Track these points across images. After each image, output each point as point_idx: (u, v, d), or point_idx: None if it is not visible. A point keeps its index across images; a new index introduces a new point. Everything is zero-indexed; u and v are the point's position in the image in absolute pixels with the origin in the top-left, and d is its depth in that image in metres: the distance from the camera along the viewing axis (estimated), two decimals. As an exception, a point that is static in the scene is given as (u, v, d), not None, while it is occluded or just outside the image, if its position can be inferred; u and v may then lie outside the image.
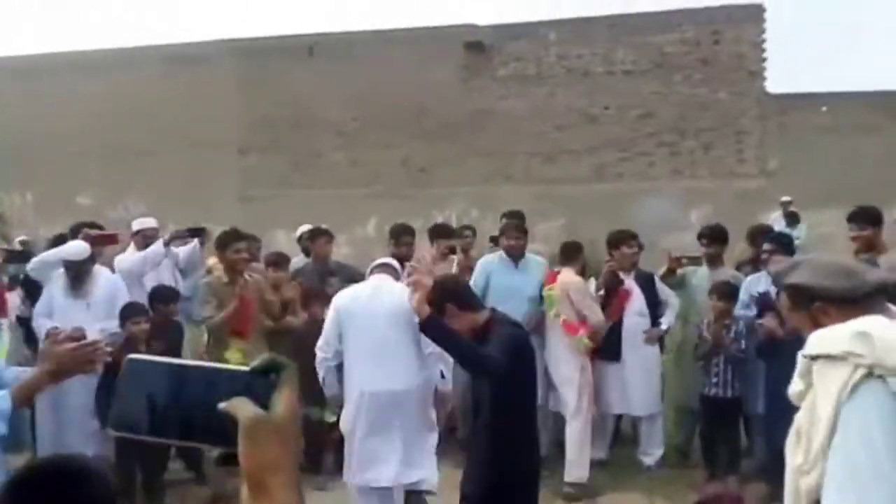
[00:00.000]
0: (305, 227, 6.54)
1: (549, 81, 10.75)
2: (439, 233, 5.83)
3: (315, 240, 5.92)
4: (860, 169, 9.15)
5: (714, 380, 4.68)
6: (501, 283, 5.05)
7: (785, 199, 9.76)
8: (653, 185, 10.11)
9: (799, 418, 1.59)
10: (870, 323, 1.49)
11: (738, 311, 4.71)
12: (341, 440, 4.93)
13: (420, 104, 11.14)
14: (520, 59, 10.87)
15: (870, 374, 1.42)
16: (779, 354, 4.24)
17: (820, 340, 1.54)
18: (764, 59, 10.55)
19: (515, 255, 5.15)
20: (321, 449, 4.97)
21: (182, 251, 5.67)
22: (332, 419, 4.77)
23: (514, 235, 5.18)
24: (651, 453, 5.07)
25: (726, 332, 4.65)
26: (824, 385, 1.48)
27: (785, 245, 4.67)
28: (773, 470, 3.57)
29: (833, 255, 1.95)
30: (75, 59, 12.36)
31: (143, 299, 5.22)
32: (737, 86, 10.46)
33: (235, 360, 4.41)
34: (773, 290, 4.66)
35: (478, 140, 10.89)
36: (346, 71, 11.20)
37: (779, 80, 10.90)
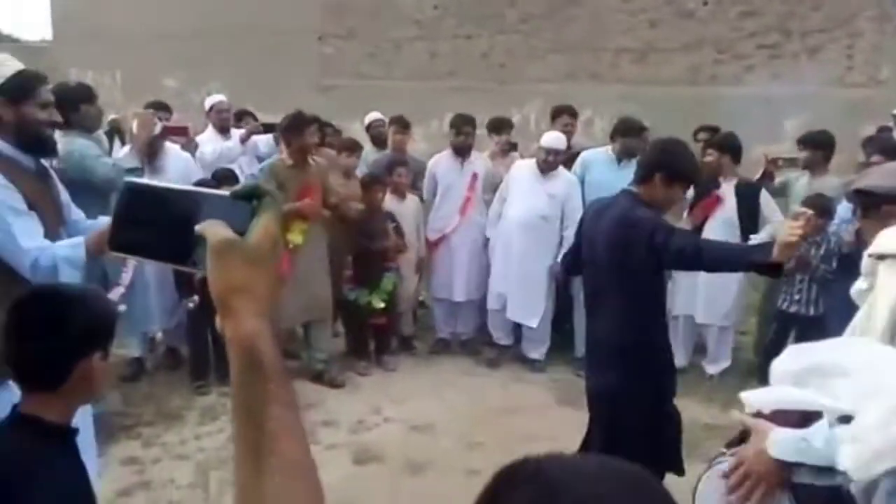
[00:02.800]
0: (374, 115, 6.51)
1: (645, -29, 10.00)
2: (497, 127, 5.70)
3: (389, 127, 5.95)
4: None
5: (797, 296, 4.49)
6: (601, 179, 4.98)
7: (896, 111, 8.99)
8: (749, 90, 9.46)
9: (858, 316, 1.53)
10: None
11: (834, 225, 4.44)
12: (384, 327, 5.09)
13: (504, -7, 10.61)
14: (615, -54, 10.12)
15: None
16: (853, 269, 4.00)
17: (886, 239, 1.46)
18: (891, -48, 9.48)
19: (624, 156, 5.07)
20: (365, 335, 5.10)
21: (261, 139, 5.77)
22: (381, 305, 4.89)
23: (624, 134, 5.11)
24: (716, 363, 5.03)
25: (816, 249, 4.41)
26: (887, 283, 1.41)
27: (893, 153, 4.29)
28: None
29: None
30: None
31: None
32: (856, -18, 9.48)
33: (297, 241, 4.52)
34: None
35: (563, 34, 10.36)
36: (429, -45, 10.73)
37: (904, -23, 9.76)
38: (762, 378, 4.65)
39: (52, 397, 1.46)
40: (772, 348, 4.65)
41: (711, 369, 5.04)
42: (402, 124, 5.95)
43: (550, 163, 4.98)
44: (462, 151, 5.41)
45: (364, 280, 4.92)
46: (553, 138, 5.02)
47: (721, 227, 4.74)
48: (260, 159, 5.86)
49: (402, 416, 4.44)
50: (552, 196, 5.00)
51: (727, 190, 4.79)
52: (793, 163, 4.91)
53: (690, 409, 4.53)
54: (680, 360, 5.09)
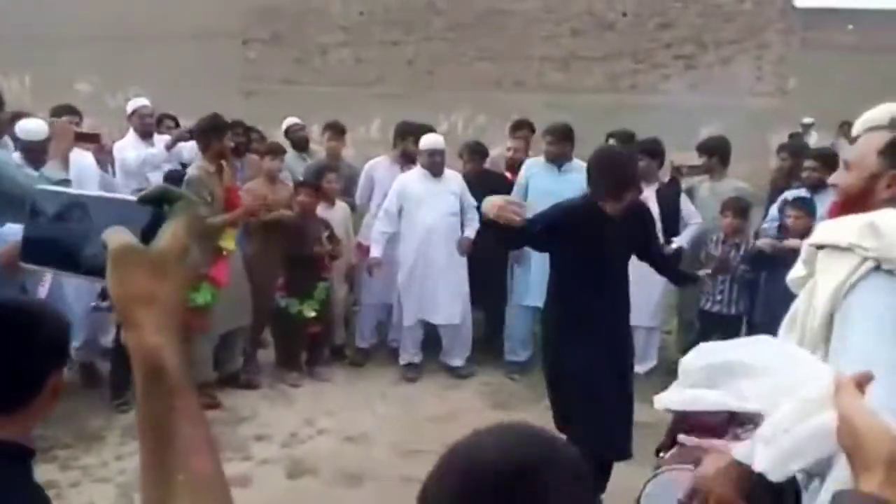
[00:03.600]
0: (292, 120, 6.43)
1: (567, -18, 10.26)
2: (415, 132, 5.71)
3: (323, 133, 5.88)
4: (883, 91, 8.87)
5: (718, 296, 4.66)
6: (541, 187, 5.04)
7: (807, 120, 9.53)
8: (666, 99, 9.83)
9: (796, 304, 1.56)
10: (881, 215, 1.41)
11: (766, 223, 4.68)
12: (316, 336, 5.02)
13: (430, 1, 10.68)
14: (538, -42, 10.34)
15: (877, 268, 1.35)
16: (776, 267, 4.23)
17: (827, 230, 1.48)
18: (793, -30, 10.06)
19: (558, 161, 5.09)
20: (297, 345, 5.01)
21: (185, 146, 5.59)
22: (312, 314, 4.81)
23: (551, 141, 5.16)
24: (644, 363, 5.15)
25: (735, 250, 4.61)
26: (827, 274, 1.43)
27: (829, 163, 4.65)
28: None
29: None
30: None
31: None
32: (763, -3, 10.01)
33: (230, 247, 4.41)
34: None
35: (489, 42, 10.50)
36: (354, -39, 10.68)
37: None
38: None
39: (14, 417, 1.35)
40: (694, 345, 4.82)
41: (639, 368, 5.17)
42: (337, 130, 5.89)
43: (438, 163, 5.03)
44: (411, 160, 5.41)
45: (296, 288, 4.82)
46: (432, 140, 5.11)
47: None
48: (184, 166, 5.68)
49: (336, 427, 4.37)
50: (453, 193, 5.07)
51: (649, 194, 4.93)
52: (697, 170, 5.15)
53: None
54: None
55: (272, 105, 10.27)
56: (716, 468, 1.44)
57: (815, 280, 1.47)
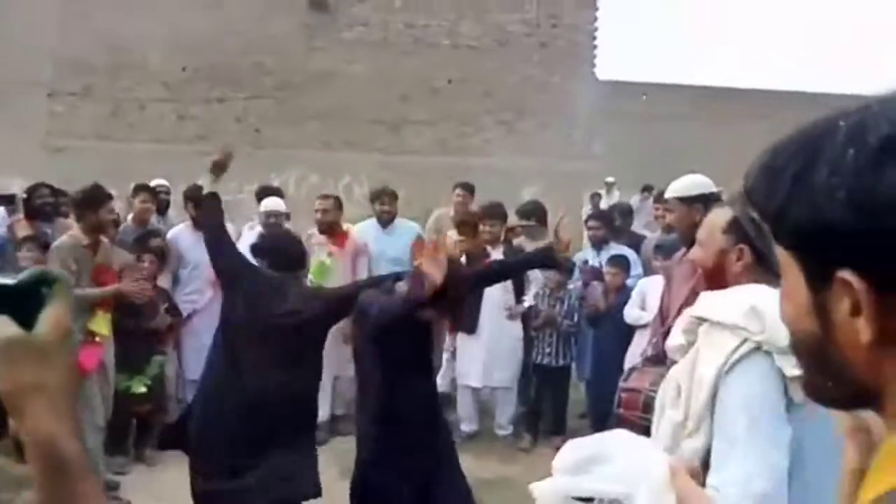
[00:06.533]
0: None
1: (394, 49, 10.65)
2: (262, 196, 5.64)
3: (136, 196, 5.51)
4: (671, 155, 10.05)
5: (547, 349, 4.95)
6: (371, 248, 5.21)
7: (609, 179, 10.60)
8: (491, 161, 10.42)
9: (677, 371, 1.62)
10: (761, 297, 1.49)
11: (570, 284, 5.04)
12: (147, 416, 4.63)
13: (258, 60, 10.59)
14: (366, 24, 10.66)
15: (757, 348, 1.46)
16: (603, 322, 4.61)
17: (712, 306, 1.55)
18: (595, 47, 11.21)
19: (385, 220, 5.39)
20: (123, 426, 4.56)
21: None
22: (142, 390, 4.46)
23: (385, 201, 5.47)
24: (506, 426, 5.23)
25: (560, 304, 4.94)
26: (710, 348, 1.50)
27: (609, 222, 5.24)
28: (603, 429, 3.86)
29: None
30: None
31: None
32: (570, 70, 11.02)
33: (102, 332, 4.04)
34: (598, 262, 5.07)
35: (319, 103, 10.57)
36: (175, 14, 10.35)
37: (607, 67, 11.63)
38: (528, 427, 5.01)
39: None
40: (537, 401, 5.08)
41: (503, 432, 5.21)
42: (150, 191, 5.58)
43: (274, 226, 4.97)
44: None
45: (126, 362, 4.41)
46: (271, 203, 5.15)
47: (498, 291, 4.96)
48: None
49: (170, 515, 4.03)
50: None
51: (496, 256, 5.16)
52: (531, 230, 5.54)
53: (467, 463, 4.70)
54: (473, 425, 5.27)
55: (83, 162, 9.53)
56: None
57: (698, 349, 1.55)
